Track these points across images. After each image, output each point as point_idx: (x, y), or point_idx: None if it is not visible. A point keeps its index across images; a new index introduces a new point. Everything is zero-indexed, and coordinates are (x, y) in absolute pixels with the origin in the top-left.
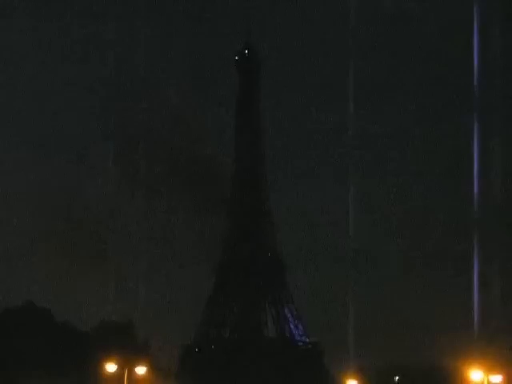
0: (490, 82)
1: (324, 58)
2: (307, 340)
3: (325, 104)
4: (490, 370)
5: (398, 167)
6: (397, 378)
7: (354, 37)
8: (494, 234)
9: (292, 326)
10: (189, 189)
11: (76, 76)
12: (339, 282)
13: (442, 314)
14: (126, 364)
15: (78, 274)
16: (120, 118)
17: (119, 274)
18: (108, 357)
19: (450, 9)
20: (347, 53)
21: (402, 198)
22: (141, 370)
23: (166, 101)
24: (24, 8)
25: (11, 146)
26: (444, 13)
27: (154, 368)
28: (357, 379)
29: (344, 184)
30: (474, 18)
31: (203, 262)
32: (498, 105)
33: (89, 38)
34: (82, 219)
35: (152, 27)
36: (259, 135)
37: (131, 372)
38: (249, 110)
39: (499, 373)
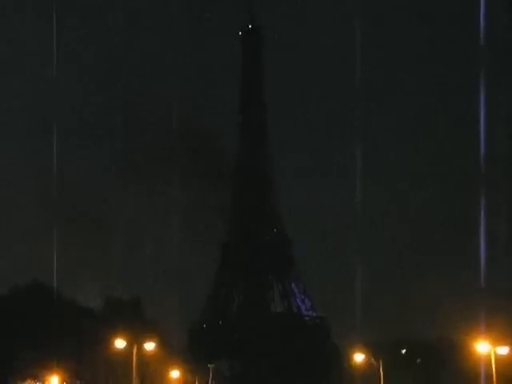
0: (491, 81)
1: (325, 58)
2: (314, 314)
3: (326, 103)
4: (497, 341)
5: (398, 165)
6: (404, 351)
7: (356, 34)
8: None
9: (299, 302)
10: (190, 185)
11: (77, 75)
12: (345, 260)
13: (446, 292)
14: (135, 340)
15: (86, 253)
16: (123, 116)
17: (126, 252)
18: (117, 333)
19: (451, 8)
20: (351, 54)
21: (403, 196)
22: (149, 346)
23: (168, 100)
24: (25, 7)
25: (16, 144)
26: (445, 12)
27: (162, 344)
28: (364, 353)
29: (346, 181)
30: (475, 17)
31: (210, 238)
32: (501, 102)
33: (90, 38)
34: (88, 208)
35: (153, 28)
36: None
37: (140, 348)
38: (253, 95)
39: (506, 344)
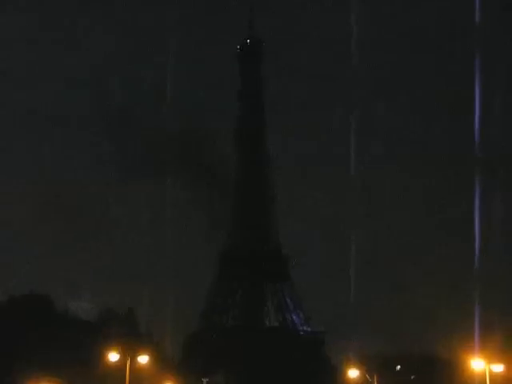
0: (490, 81)
1: (326, 59)
2: (309, 329)
3: (326, 102)
4: (492, 359)
5: (399, 163)
6: (398, 367)
7: (356, 37)
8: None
9: (294, 316)
10: (188, 190)
11: (77, 75)
12: (340, 273)
13: (442, 309)
14: (129, 353)
15: (81, 263)
16: (123, 116)
17: (121, 263)
18: (110, 346)
19: (450, 6)
20: (350, 55)
21: (401, 193)
22: (143, 359)
23: (168, 100)
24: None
25: (14, 138)
26: (445, 11)
27: (156, 357)
28: (358, 368)
29: (346, 178)
30: (472, 15)
31: (206, 250)
32: (498, 102)
33: (91, 37)
34: (83, 208)
35: (155, 28)
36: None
37: (134, 361)
38: (250, 103)
39: (501, 362)
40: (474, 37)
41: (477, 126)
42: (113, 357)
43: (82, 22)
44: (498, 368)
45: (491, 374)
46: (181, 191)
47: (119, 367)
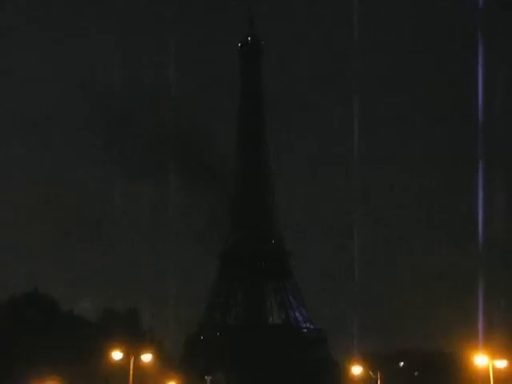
0: (490, 81)
1: (326, 59)
2: (312, 326)
3: (326, 102)
4: (495, 354)
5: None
6: (402, 363)
7: (356, 37)
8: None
9: (296, 313)
10: (188, 191)
11: (77, 75)
12: (340, 273)
13: (445, 305)
14: (132, 352)
15: (82, 263)
16: (123, 117)
17: (123, 263)
18: (113, 345)
19: (450, 6)
20: (350, 55)
21: (400, 195)
22: (146, 358)
23: (167, 100)
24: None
25: (14, 138)
26: (446, 11)
27: (159, 356)
28: (361, 365)
29: (345, 177)
30: (472, 15)
31: (206, 250)
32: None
33: (92, 38)
34: (83, 208)
35: (156, 29)
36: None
37: (137, 359)
38: (252, 102)
39: (504, 358)
40: (474, 37)
41: (477, 125)
42: (116, 355)
43: (82, 22)
44: (502, 364)
45: (495, 370)
46: (181, 191)
47: (122, 366)
